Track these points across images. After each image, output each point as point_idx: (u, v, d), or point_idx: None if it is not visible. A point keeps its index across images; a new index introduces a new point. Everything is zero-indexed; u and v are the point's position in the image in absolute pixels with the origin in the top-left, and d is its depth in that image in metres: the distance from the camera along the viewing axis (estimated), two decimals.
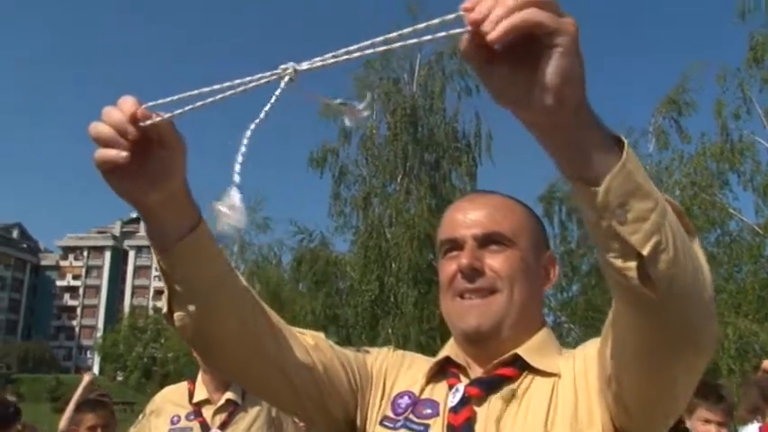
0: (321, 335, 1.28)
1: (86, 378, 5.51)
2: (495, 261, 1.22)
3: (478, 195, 1.36)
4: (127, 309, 67.97)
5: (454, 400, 1.19)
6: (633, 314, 0.89)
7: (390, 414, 1.24)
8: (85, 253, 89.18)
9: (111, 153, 0.90)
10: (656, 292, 0.82)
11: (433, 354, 1.35)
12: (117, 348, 47.63)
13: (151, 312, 56.08)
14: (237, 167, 0.84)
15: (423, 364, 1.32)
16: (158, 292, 74.61)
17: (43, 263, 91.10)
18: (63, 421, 4.79)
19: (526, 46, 0.74)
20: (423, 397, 1.24)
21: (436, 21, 0.76)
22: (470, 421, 1.15)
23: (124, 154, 0.90)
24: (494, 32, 0.71)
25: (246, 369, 1.16)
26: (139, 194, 0.96)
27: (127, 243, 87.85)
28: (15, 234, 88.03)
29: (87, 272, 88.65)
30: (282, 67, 0.86)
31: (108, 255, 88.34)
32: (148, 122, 0.90)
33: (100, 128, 0.90)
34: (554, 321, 14.52)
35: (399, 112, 14.80)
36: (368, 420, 1.26)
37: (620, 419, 1.05)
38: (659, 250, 0.80)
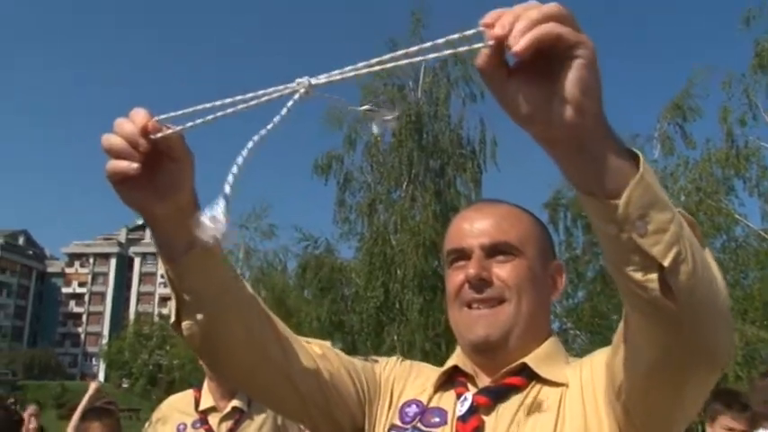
0: (328, 344, 1.28)
1: (93, 386, 5.52)
2: (502, 271, 1.22)
3: (485, 204, 1.36)
4: (132, 316, 67.95)
5: (462, 408, 1.19)
6: (651, 327, 0.88)
7: (398, 423, 1.24)
8: (91, 260, 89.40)
9: (123, 165, 0.91)
10: (677, 303, 0.82)
11: (439, 360, 1.35)
12: (122, 355, 47.60)
13: (156, 319, 56.03)
14: (231, 178, 0.84)
15: (430, 373, 1.32)
16: (163, 299, 74.66)
17: (49, 270, 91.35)
18: (69, 430, 4.81)
19: (543, 62, 0.75)
20: (431, 406, 1.25)
21: (455, 36, 0.77)
22: (479, 430, 1.15)
23: (135, 165, 0.91)
24: (518, 45, 0.72)
25: (253, 377, 1.16)
26: (148, 205, 0.97)
27: (132, 250, 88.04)
28: (21, 241, 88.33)
29: (93, 279, 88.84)
30: (298, 81, 0.86)
31: (113, 262, 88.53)
32: (159, 135, 0.91)
33: (112, 140, 0.92)
34: (559, 328, 14.46)
35: (404, 119, 14.80)
36: (375, 429, 1.26)
37: (628, 430, 1.05)
38: (679, 261, 0.80)
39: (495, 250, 1.23)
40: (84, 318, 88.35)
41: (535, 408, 1.16)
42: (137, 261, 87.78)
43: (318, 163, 15.47)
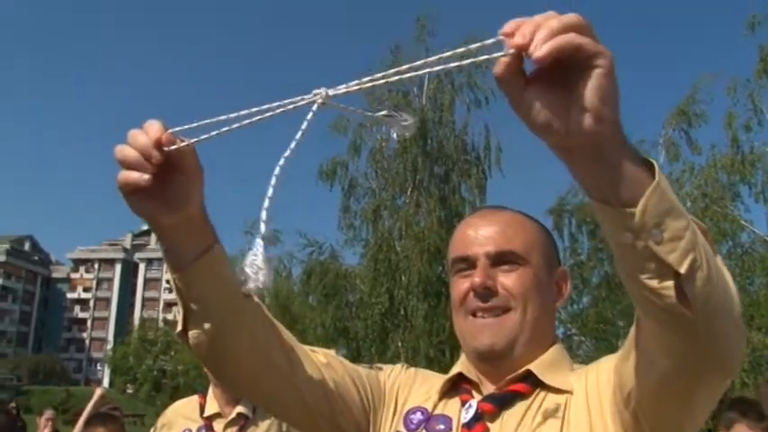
0: (332, 352, 1.29)
1: (98, 392, 5.52)
2: (508, 279, 1.22)
3: (490, 211, 1.36)
4: (137, 321, 68.13)
5: (467, 416, 1.19)
6: (666, 335, 0.88)
7: (403, 430, 1.25)
8: (96, 265, 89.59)
9: (134, 176, 0.92)
10: (692, 310, 0.82)
11: (443, 367, 1.35)
12: (127, 361, 47.67)
13: (161, 325, 56.12)
14: (264, 215, 0.85)
15: (435, 380, 1.32)
16: (168, 305, 74.85)
17: (54, 275, 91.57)
18: None
19: (560, 71, 0.76)
20: (435, 413, 1.25)
21: (475, 45, 0.78)
22: None
23: (146, 177, 0.92)
24: (539, 52, 0.73)
25: (257, 385, 1.17)
26: (157, 216, 0.99)
27: (137, 256, 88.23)
28: (27, 246, 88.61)
29: (98, 284, 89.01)
30: (315, 91, 0.87)
31: (118, 267, 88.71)
32: (173, 147, 0.92)
33: (126, 151, 0.93)
34: (564, 334, 14.43)
35: None
36: None
37: None
38: (695, 268, 0.81)
39: (500, 259, 1.24)
40: (89, 323, 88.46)
41: (540, 415, 1.16)
42: (142, 267, 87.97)
43: (323, 169, 15.50)
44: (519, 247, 1.24)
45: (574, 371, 1.23)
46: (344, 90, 0.86)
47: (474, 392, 1.24)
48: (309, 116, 0.87)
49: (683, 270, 0.80)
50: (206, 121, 0.90)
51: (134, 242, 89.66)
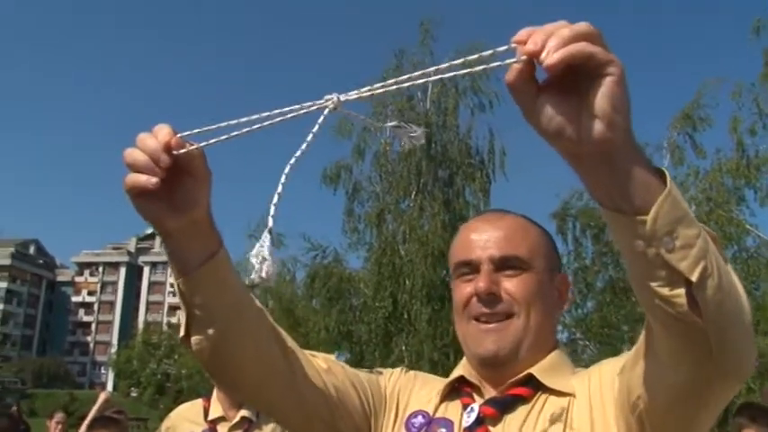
0: (333, 357, 1.29)
1: (102, 396, 5.53)
2: (511, 285, 1.22)
3: (493, 215, 1.36)
4: (141, 325, 68.12)
5: (469, 419, 1.19)
6: (677, 343, 0.88)
7: None
8: (101, 269, 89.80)
9: (142, 179, 0.93)
10: (704, 318, 0.82)
11: (447, 371, 1.35)
12: (131, 364, 47.63)
13: (165, 328, 56.15)
14: (272, 210, 0.86)
15: (435, 383, 1.32)
16: (173, 308, 74.86)
17: (59, 278, 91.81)
18: None
19: (571, 79, 0.76)
20: (437, 416, 1.24)
21: (487, 52, 0.78)
22: None
23: (154, 180, 0.92)
24: (551, 60, 0.73)
25: (259, 391, 1.16)
26: (164, 219, 0.99)
27: (142, 259, 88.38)
28: (32, 250, 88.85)
29: (102, 287, 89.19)
30: (327, 97, 0.87)
31: (123, 271, 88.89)
32: (182, 151, 0.93)
33: (135, 154, 0.94)
34: (568, 338, 14.37)
35: None
36: None
37: None
38: (706, 276, 0.81)
39: (504, 264, 1.24)
40: (94, 327, 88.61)
41: (543, 418, 1.16)
42: (146, 270, 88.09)
43: (327, 173, 15.50)
44: (523, 253, 1.24)
45: (575, 374, 1.23)
46: (356, 96, 0.87)
47: (475, 396, 1.24)
48: (321, 120, 0.88)
49: (694, 278, 0.80)
50: (215, 126, 0.91)
51: (138, 246, 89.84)
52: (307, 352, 1.23)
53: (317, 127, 0.88)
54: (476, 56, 0.80)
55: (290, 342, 1.19)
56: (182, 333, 1.09)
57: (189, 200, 0.98)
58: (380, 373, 1.35)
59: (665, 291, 0.82)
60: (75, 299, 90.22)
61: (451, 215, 14.45)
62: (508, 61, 0.77)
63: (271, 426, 3.06)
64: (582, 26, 0.75)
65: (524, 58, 0.76)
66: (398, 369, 1.38)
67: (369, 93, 0.86)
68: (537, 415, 1.17)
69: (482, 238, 1.26)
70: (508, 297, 1.22)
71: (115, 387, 53.61)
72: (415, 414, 1.26)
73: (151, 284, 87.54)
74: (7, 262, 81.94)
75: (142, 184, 0.93)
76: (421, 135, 0.98)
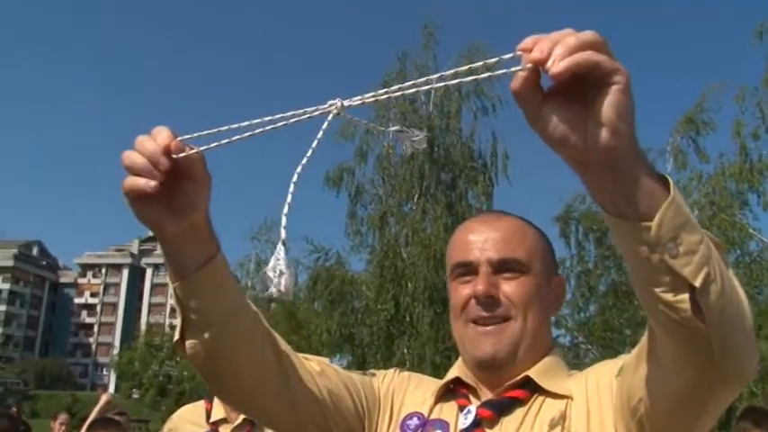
0: (326, 360, 1.28)
1: (104, 398, 5.53)
2: (509, 288, 1.22)
3: (491, 217, 1.36)
4: (143, 326, 68.18)
5: (466, 421, 1.19)
6: (680, 348, 0.89)
7: None
8: (103, 270, 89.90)
9: (141, 182, 0.92)
10: (707, 323, 0.82)
11: None
12: (133, 366, 47.65)
13: (167, 330, 56.16)
14: (284, 221, 0.86)
15: (430, 384, 1.32)
16: (175, 310, 73.85)
17: (62, 280, 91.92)
18: None
19: (576, 87, 0.77)
20: (432, 417, 1.24)
21: (492, 60, 0.79)
22: None
23: (153, 183, 0.92)
24: (556, 68, 0.74)
25: (253, 396, 1.15)
26: (162, 223, 0.98)
27: (144, 261, 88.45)
28: (35, 251, 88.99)
29: (105, 289, 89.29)
30: (330, 102, 0.87)
31: (126, 272, 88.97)
32: (182, 155, 0.92)
33: (134, 157, 0.93)
34: (571, 342, 14.34)
35: None
36: None
37: None
38: (709, 281, 0.81)
39: (502, 266, 1.24)
40: (96, 328, 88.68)
41: (539, 421, 1.16)
42: (149, 272, 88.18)
43: (330, 175, 15.49)
44: (522, 255, 1.24)
45: (570, 376, 1.23)
46: (360, 101, 0.87)
47: (471, 397, 1.24)
48: (325, 125, 0.88)
49: (697, 283, 0.81)
50: (216, 129, 0.90)
51: (141, 247, 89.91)
52: (300, 355, 1.23)
53: (321, 133, 0.88)
54: (481, 63, 0.80)
55: (284, 346, 1.18)
56: (176, 337, 1.08)
57: (188, 204, 0.97)
58: (374, 374, 1.35)
59: (669, 296, 0.83)
60: (77, 300, 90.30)
61: (454, 218, 14.43)
62: (514, 69, 0.77)
63: None
64: (588, 34, 0.76)
65: (530, 66, 0.76)
66: (392, 370, 1.37)
67: (372, 98, 0.86)
68: (534, 418, 1.17)
69: (480, 240, 1.26)
70: (506, 300, 1.22)
71: (117, 389, 53.60)
72: (410, 416, 1.26)
73: (154, 286, 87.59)
74: (10, 263, 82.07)
75: (141, 188, 0.92)
76: (423, 139, 0.98)
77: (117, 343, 76.96)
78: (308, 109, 0.88)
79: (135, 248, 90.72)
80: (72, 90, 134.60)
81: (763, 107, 12.99)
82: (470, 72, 0.82)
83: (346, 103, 0.87)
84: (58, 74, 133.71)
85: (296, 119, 0.88)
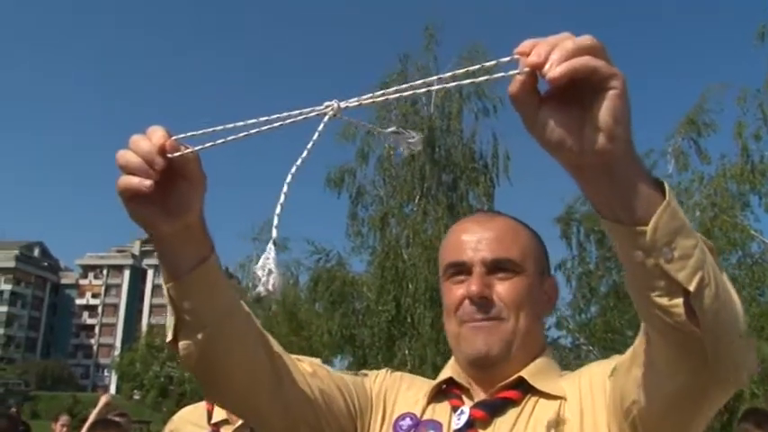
0: (318, 361, 1.28)
1: (103, 399, 5.52)
2: (503, 289, 1.23)
3: (483, 216, 1.36)
4: (144, 327, 68.16)
5: (459, 422, 1.19)
6: (675, 352, 0.89)
7: None
8: (105, 272, 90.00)
9: (135, 181, 0.92)
10: (701, 327, 0.83)
11: None
12: (134, 367, 47.64)
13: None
14: (276, 221, 0.85)
15: (422, 384, 1.32)
16: None
17: (63, 281, 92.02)
18: None
19: (573, 91, 0.77)
20: (425, 418, 1.24)
21: (490, 63, 0.79)
22: None
23: (148, 183, 0.91)
24: (553, 73, 0.74)
25: (246, 398, 1.15)
26: (157, 223, 0.97)
27: (146, 262, 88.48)
28: (36, 252, 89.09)
29: (106, 290, 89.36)
30: (327, 103, 0.87)
31: (127, 273, 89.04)
32: (177, 154, 0.91)
33: (128, 156, 0.92)
34: (572, 343, 14.33)
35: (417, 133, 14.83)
36: None
37: None
38: (703, 285, 0.82)
39: (496, 266, 1.24)
40: (97, 329, 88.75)
41: (533, 421, 1.17)
42: (150, 273, 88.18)
43: (331, 176, 15.50)
44: (515, 255, 1.25)
45: (562, 377, 1.24)
46: (356, 103, 0.87)
47: (464, 398, 1.24)
48: (321, 127, 0.88)
49: (692, 288, 0.81)
50: (212, 129, 0.90)
51: (142, 248, 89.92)
52: (293, 356, 1.22)
53: (316, 135, 0.88)
54: (478, 66, 0.81)
55: (277, 347, 1.18)
56: (169, 337, 1.07)
57: (183, 203, 0.97)
58: (365, 375, 1.35)
59: (664, 300, 0.83)
60: (79, 301, 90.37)
61: (455, 219, 14.29)
62: (511, 72, 0.77)
63: None
64: (585, 39, 0.76)
65: (527, 69, 0.76)
66: (383, 370, 1.38)
67: (370, 100, 0.86)
68: (527, 418, 1.17)
69: (473, 240, 1.26)
70: (499, 301, 1.22)
71: (118, 390, 53.64)
72: (402, 416, 1.26)
73: (155, 287, 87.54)
74: (11, 264, 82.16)
75: (135, 187, 0.92)
76: (419, 141, 0.98)
77: (118, 344, 76.98)
78: (305, 110, 0.88)
79: (136, 249, 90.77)
80: (72, 90, 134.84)
81: (765, 108, 12.98)
82: (468, 75, 0.82)
83: (343, 104, 0.87)
84: (58, 74, 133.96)
85: (292, 120, 0.88)
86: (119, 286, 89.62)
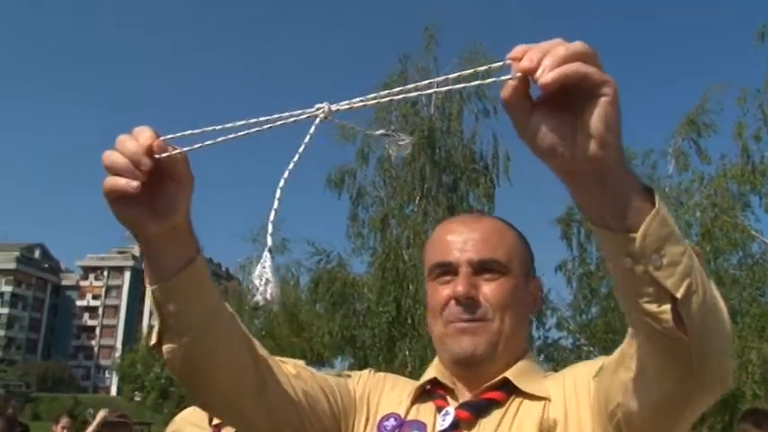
0: (302, 363, 1.28)
1: (101, 414, 5.55)
2: (489, 290, 1.23)
3: (470, 218, 1.37)
4: (145, 329, 68.16)
5: (444, 423, 1.19)
6: (662, 358, 0.90)
7: None
8: (105, 273, 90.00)
9: (122, 182, 0.91)
10: (688, 334, 0.83)
11: None
12: (135, 369, 47.66)
13: None
14: (270, 228, 0.85)
15: (406, 385, 1.33)
16: None
17: (64, 283, 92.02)
18: None
19: (564, 97, 0.77)
20: (409, 418, 1.24)
21: (482, 68, 0.80)
22: None
23: (135, 184, 0.90)
24: (545, 78, 0.74)
25: (231, 401, 1.13)
26: (143, 224, 0.96)
27: None
28: (37, 254, 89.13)
29: (107, 292, 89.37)
30: (317, 106, 0.86)
31: (127, 275, 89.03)
32: (164, 155, 0.90)
33: (114, 157, 0.91)
34: (573, 344, 14.32)
35: (417, 134, 14.83)
36: None
37: None
38: (691, 292, 0.82)
39: (482, 267, 1.24)
40: (98, 331, 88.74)
41: (517, 422, 1.17)
42: None
43: (331, 177, 15.50)
44: (502, 257, 1.25)
45: (546, 378, 1.24)
46: (347, 106, 0.86)
47: (449, 398, 1.24)
48: (312, 130, 0.87)
49: (679, 295, 0.82)
50: (200, 130, 0.88)
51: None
52: (276, 358, 1.22)
53: (308, 137, 0.87)
54: (471, 71, 0.81)
55: (261, 349, 1.17)
56: (153, 341, 1.06)
57: (170, 204, 0.95)
58: (349, 376, 1.34)
59: (653, 307, 0.83)
60: (79, 303, 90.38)
61: None
62: (503, 78, 0.78)
63: None
64: (577, 45, 0.76)
65: (519, 75, 0.77)
66: (366, 371, 1.38)
67: (361, 104, 0.85)
68: (511, 419, 1.18)
69: (459, 240, 1.26)
70: (486, 303, 1.22)
71: (119, 391, 53.69)
72: (386, 417, 1.26)
73: None
74: (12, 266, 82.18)
75: (122, 188, 0.90)
76: (409, 144, 0.98)
77: (119, 345, 77.02)
78: (295, 112, 0.87)
79: (137, 251, 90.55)
80: (72, 91, 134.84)
81: (765, 109, 12.97)
82: (461, 80, 0.82)
83: (334, 107, 0.86)
84: (57, 74, 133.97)
85: (282, 122, 0.87)
86: (119, 287, 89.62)
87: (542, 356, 14.07)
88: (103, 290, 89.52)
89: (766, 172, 12.84)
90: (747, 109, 13.11)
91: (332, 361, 15.66)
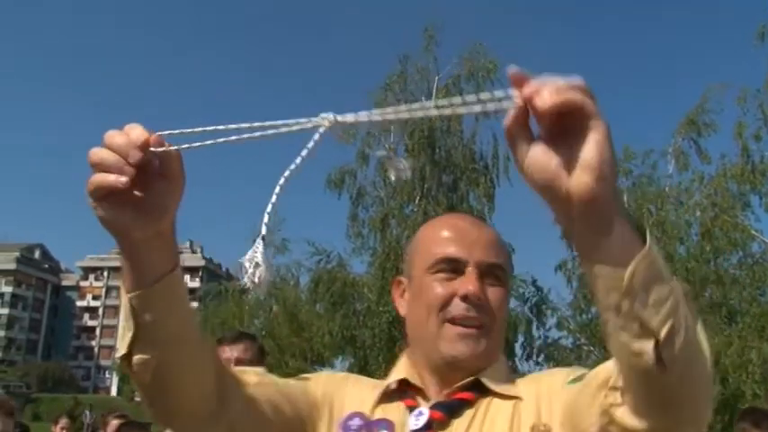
0: (262, 370, 1.27)
1: (113, 423, 5.57)
2: (492, 295, 1.23)
3: (474, 219, 1.38)
4: None
5: (418, 423, 1.19)
6: (642, 395, 0.90)
7: None
8: (105, 273, 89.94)
9: (110, 178, 0.86)
10: (667, 372, 0.84)
11: None
12: None
13: None
14: (266, 218, 0.85)
15: (368, 384, 1.32)
16: None
17: (64, 283, 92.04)
18: None
19: (560, 132, 0.79)
20: (374, 417, 1.23)
21: (486, 94, 0.82)
22: None
23: (124, 179, 0.86)
24: (544, 102, 0.76)
25: (193, 417, 1.08)
26: (128, 227, 0.92)
27: None
28: (37, 254, 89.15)
29: (107, 292, 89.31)
30: (323, 115, 0.86)
31: None
32: (160, 150, 0.87)
33: (102, 153, 0.87)
34: (573, 344, 14.32)
35: (417, 134, 14.85)
36: None
37: None
38: (673, 333, 0.83)
39: (489, 271, 1.24)
40: (98, 331, 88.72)
41: (488, 421, 1.18)
42: None
43: (331, 178, 15.50)
44: (505, 265, 1.26)
45: (516, 381, 1.25)
46: (353, 119, 0.86)
47: (418, 398, 1.24)
48: (316, 137, 0.87)
49: (661, 335, 0.82)
50: (201, 129, 0.87)
51: None
52: (237, 368, 1.20)
53: (312, 143, 0.87)
54: (474, 97, 0.83)
55: (223, 362, 1.15)
56: (122, 351, 1.00)
57: (158, 205, 0.91)
58: (308, 378, 1.32)
59: (635, 344, 0.84)
60: (79, 303, 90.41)
61: None
62: (504, 104, 0.80)
63: None
64: (575, 79, 0.79)
65: (519, 101, 0.79)
66: (325, 372, 1.39)
67: (367, 118, 0.86)
68: (482, 418, 1.18)
69: (469, 239, 1.25)
70: (490, 308, 1.22)
71: (119, 391, 53.66)
72: (351, 416, 1.24)
73: None
74: (12, 266, 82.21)
75: (110, 184, 0.86)
76: (407, 169, 0.98)
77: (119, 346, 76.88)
78: (301, 120, 0.87)
79: None
80: (72, 91, 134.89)
81: (765, 108, 12.98)
82: (465, 104, 0.84)
83: (339, 118, 0.86)
84: (57, 74, 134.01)
85: (287, 129, 0.86)
86: (119, 288, 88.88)
87: (542, 356, 14.10)
88: (103, 290, 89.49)
89: (766, 172, 12.85)
90: (747, 109, 13.13)
91: (332, 361, 15.65)
